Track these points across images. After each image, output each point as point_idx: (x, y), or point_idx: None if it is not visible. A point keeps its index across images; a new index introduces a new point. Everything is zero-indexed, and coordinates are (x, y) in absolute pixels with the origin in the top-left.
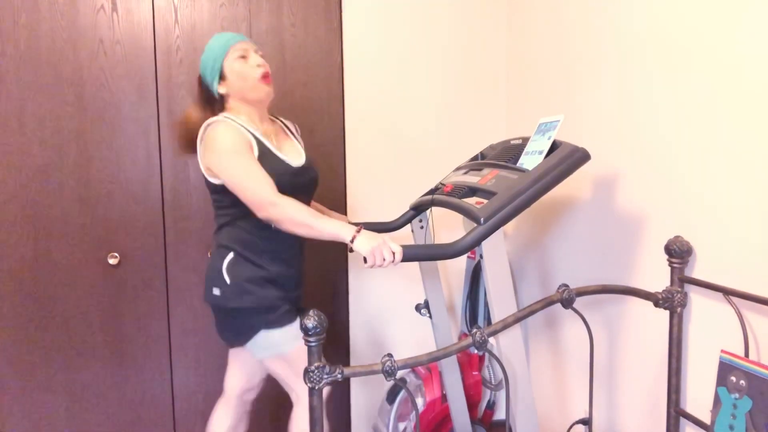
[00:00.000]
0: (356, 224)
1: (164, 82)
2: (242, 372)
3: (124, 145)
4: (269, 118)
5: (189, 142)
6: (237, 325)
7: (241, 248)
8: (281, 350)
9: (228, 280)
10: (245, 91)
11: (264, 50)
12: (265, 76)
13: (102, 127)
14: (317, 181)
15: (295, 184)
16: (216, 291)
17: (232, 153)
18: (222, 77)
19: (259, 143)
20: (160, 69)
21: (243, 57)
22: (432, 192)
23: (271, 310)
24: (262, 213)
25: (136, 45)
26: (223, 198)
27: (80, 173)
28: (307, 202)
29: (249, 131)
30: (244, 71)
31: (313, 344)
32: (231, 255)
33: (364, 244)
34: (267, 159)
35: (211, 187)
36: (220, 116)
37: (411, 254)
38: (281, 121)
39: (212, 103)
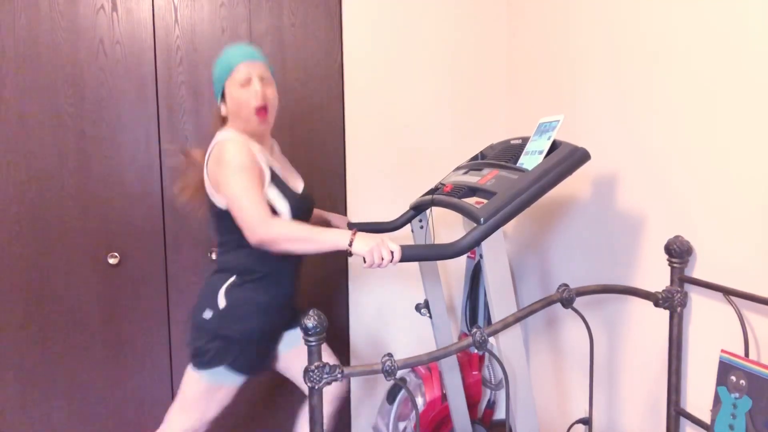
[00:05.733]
0: (356, 225)
1: (164, 82)
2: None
3: (124, 145)
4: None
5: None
6: (209, 352)
7: (244, 272)
8: (217, 381)
9: (222, 305)
10: (240, 119)
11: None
12: (260, 110)
13: (102, 127)
14: (313, 207)
15: (302, 209)
16: (207, 314)
17: (239, 169)
18: (223, 99)
19: (271, 170)
20: (160, 69)
21: (244, 85)
22: (432, 192)
23: (246, 349)
24: (255, 236)
25: (136, 45)
26: (231, 222)
27: (80, 173)
28: None
29: (260, 157)
30: (240, 100)
31: (313, 344)
32: (233, 278)
33: (362, 245)
34: (279, 186)
35: (216, 210)
36: (228, 132)
37: (410, 254)
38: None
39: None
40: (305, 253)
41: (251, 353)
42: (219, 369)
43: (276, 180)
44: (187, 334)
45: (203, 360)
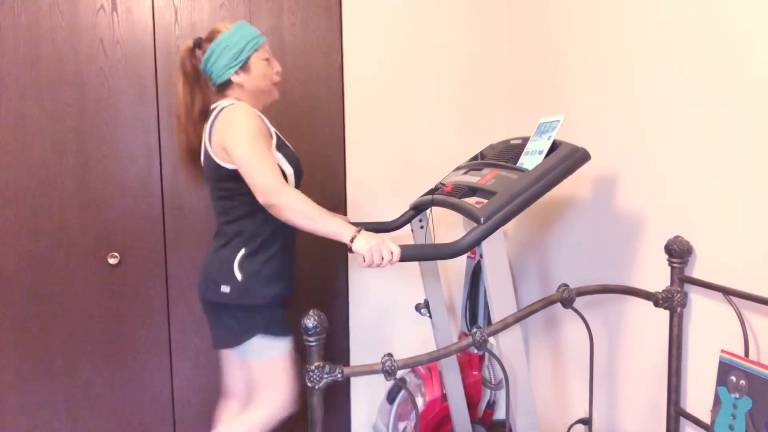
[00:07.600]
0: (356, 224)
1: (164, 82)
2: (241, 372)
3: (124, 145)
4: None
5: (189, 138)
6: (236, 324)
7: (254, 240)
8: (270, 355)
9: (240, 277)
10: (261, 90)
11: None
12: (278, 84)
13: (102, 127)
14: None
15: (301, 171)
16: (225, 288)
17: (252, 134)
18: (244, 68)
19: (276, 134)
20: (160, 69)
21: (268, 59)
22: (432, 192)
23: (273, 313)
24: (267, 198)
25: (136, 45)
26: (239, 186)
27: (80, 173)
28: None
29: (266, 122)
30: (268, 73)
31: (313, 344)
32: (243, 249)
33: (363, 243)
34: (284, 149)
35: (223, 173)
36: (235, 101)
37: (410, 254)
38: None
39: (199, 82)
40: (305, 230)
41: (278, 316)
42: (255, 340)
43: (280, 143)
44: (211, 322)
45: (235, 335)
